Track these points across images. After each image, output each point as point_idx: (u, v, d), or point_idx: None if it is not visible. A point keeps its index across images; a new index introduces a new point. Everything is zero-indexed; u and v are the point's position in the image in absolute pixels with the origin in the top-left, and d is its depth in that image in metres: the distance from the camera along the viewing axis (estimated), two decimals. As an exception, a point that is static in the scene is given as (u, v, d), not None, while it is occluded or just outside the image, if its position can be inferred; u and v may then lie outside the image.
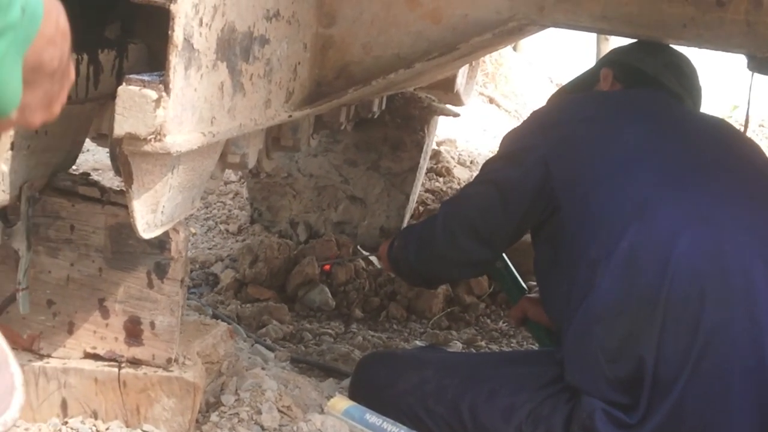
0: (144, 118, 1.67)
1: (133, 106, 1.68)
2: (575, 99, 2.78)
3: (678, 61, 2.77)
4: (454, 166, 5.67)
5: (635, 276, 2.26)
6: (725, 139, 2.57)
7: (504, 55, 9.50)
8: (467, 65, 4.83)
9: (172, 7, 1.67)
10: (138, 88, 1.68)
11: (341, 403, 2.43)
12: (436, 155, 5.55)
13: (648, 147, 2.44)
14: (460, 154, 6.22)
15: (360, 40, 2.59)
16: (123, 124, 1.68)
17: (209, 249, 4.53)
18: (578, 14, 2.56)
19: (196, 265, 4.27)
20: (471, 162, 6.05)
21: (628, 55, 2.79)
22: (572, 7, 2.55)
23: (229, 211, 5.05)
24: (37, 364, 2.19)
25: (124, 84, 1.69)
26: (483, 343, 3.72)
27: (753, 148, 2.60)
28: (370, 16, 2.58)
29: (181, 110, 1.74)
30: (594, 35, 9.54)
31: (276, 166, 4.33)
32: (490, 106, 9.13)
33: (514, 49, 10.14)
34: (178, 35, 1.68)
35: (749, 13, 2.50)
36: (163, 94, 1.67)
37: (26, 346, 2.22)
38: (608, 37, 8.88)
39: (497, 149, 2.71)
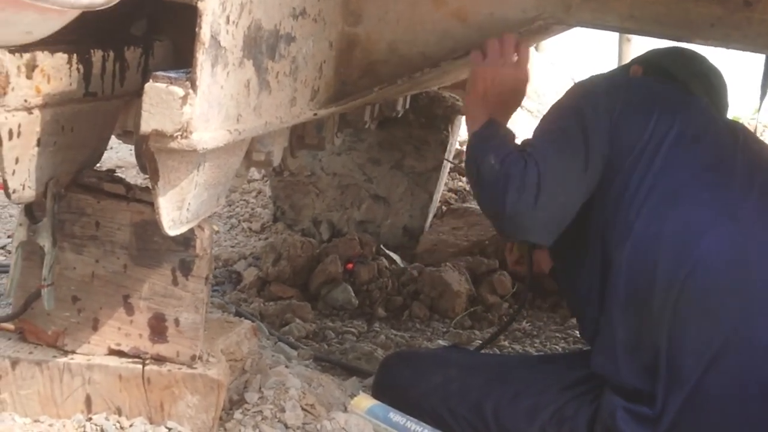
0: (171, 115, 1.67)
1: (160, 102, 1.68)
2: (617, 76, 2.74)
3: (709, 73, 2.75)
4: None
5: (658, 263, 2.25)
6: (746, 141, 2.55)
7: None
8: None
9: (200, 5, 1.66)
10: (165, 85, 1.67)
11: (365, 401, 2.43)
12: (459, 155, 5.54)
13: (685, 137, 2.42)
14: (483, 154, 6.18)
15: (386, 39, 2.58)
16: (150, 120, 1.68)
17: (232, 247, 4.54)
18: (605, 13, 2.55)
19: (219, 262, 4.27)
20: (494, 162, 6.01)
21: (662, 58, 2.78)
22: (599, 6, 2.54)
23: (252, 209, 5.06)
24: (62, 360, 2.19)
25: (150, 81, 1.69)
26: (506, 343, 3.71)
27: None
28: (395, 15, 2.57)
29: (208, 107, 1.74)
30: (616, 36, 9.52)
31: (300, 165, 4.34)
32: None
33: (536, 49, 10.10)
34: (205, 33, 1.68)
35: (778, 12, 2.49)
36: (190, 91, 1.67)
37: (50, 342, 2.22)
38: (630, 38, 8.86)
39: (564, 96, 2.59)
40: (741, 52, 2.73)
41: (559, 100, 2.57)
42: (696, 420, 2.19)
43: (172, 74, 1.70)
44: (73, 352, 2.22)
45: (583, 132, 2.41)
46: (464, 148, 5.77)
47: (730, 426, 2.18)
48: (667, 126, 2.43)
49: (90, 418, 2.17)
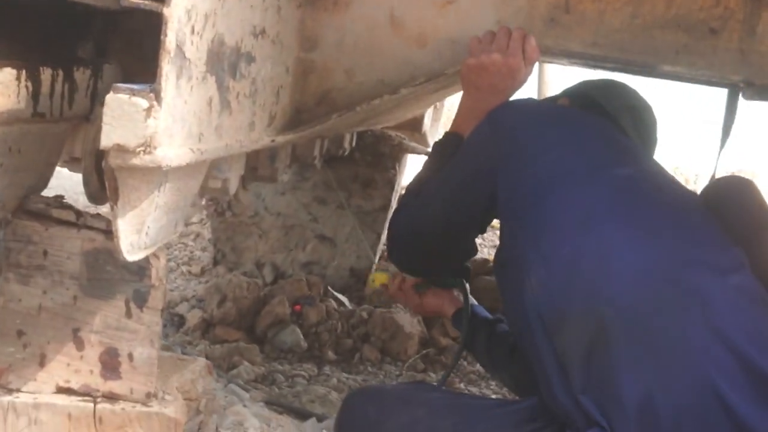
0: (134, 128, 1.56)
1: (123, 115, 1.56)
2: (535, 105, 2.70)
3: (640, 107, 2.72)
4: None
5: (575, 286, 2.17)
6: (664, 174, 2.52)
7: (457, 102, 9.57)
8: (432, 107, 4.81)
9: (165, 11, 1.56)
10: (127, 95, 1.56)
11: (329, 441, 2.32)
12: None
13: (599, 164, 2.38)
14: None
15: (342, 66, 2.52)
16: (111, 134, 1.56)
17: (171, 290, 4.40)
18: (569, 40, 2.52)
19: (160, 305, 4.13)
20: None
21: (592, 90, 2.73)
22: (563, 33, 2.51)
23: (191, 252, 4.94)
24: (6, 398, 2.05)
25: (111, 92, 1.57)
26: (462, 386, 3.63)
27: (682, 186, 2.56)
28: (352, 40, 2.51)
29: (172, 122, 1.63)
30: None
31: (246, 204, 4.24)
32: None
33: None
34: (170, 41, 1.57)
35: (743, 41, 2.48)
36: (154, 103, 1.56)
37: (-6, 380, 2.09)
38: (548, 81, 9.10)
39: None
40: (705, 85, 2.72)
41: (472, 131, 2.56)
42: None
43: (134, 86, 1.59)
44: (18, 390, 2.08)
45: (473, 172, 2.48)
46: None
47: None
48: (580, 154, 2.40)
49: (36, 461, 2.03)
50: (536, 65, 2.63)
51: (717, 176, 2.64)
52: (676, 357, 2.09)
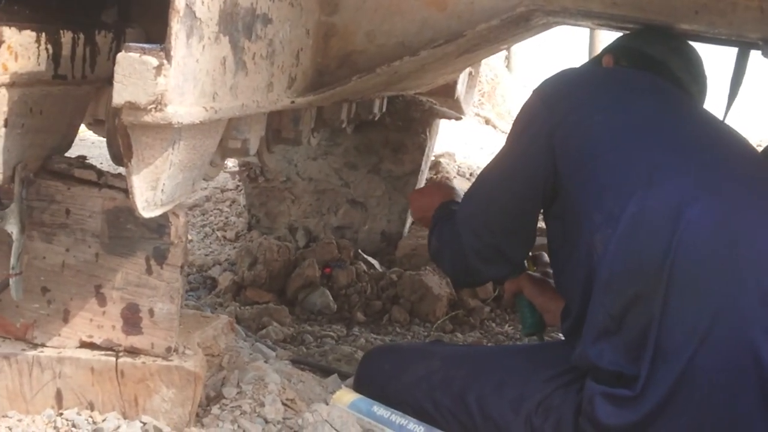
0: (144, 86, 1.60)
1: (133, 73, 1.60)
2: (580, 71, 2.71)
3: (685, 48, 2.70)
4: (454, 177, 5.62)
5: (641, 241, 2.18)
6: (722, 125, 2.51)
7: (499, 75, 9.51)
8: (467, 73, 4.79)
9: (173, -28, 1.60)
10: (138, 54, 1.61)
11: (347, 395, 2.35)
12: (435, 166, 5.50)
13: (655, 119, 2.38)
14: (458, 167, 6.17)
15: (363, 29, 2.53)
16: (122, 92, 1.61)
17: (206, 255, 4.46)
18: (588, 0, 2.50)
19: (193, 268, 4.20)
20: (471, 174, 6.01)
21: (634, 40, 2.71)
22: (582, -7, 2.49)
23: (226, 218, 4.98)
24: (31, 353, 2.11)
25: (123, 51, 1.62)
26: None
27: (741, 137, 2.55)
28: (373, 4, 2.52)
29: (183, 80, 1.67)
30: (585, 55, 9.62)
31: (275, 170, 4.27)
32: (486, 127, 9.12)
33: (508, 69, 10.16)
34: (179, 0, 1.61)
35: (763, -1, 2.45)
36: (164, 61, 1.60)
37: (19, 335, 2.14)
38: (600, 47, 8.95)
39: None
40: (724, 44, 2.70)
41: (523, 106, 2.59)
42: (686, 397, 2.11)
43: (146, 45, 1.63)
44: (43, 345, 2.14)
45: (530, 142, 2.47)
46: (440, 160, 5.79)
47: (723, 401, 2.11)
48: (634, 112, 2.40)
49: (61, 414, 2.09)
50: (588, 31, 2.64)
51: None
52: (724, 321, 2.12)
